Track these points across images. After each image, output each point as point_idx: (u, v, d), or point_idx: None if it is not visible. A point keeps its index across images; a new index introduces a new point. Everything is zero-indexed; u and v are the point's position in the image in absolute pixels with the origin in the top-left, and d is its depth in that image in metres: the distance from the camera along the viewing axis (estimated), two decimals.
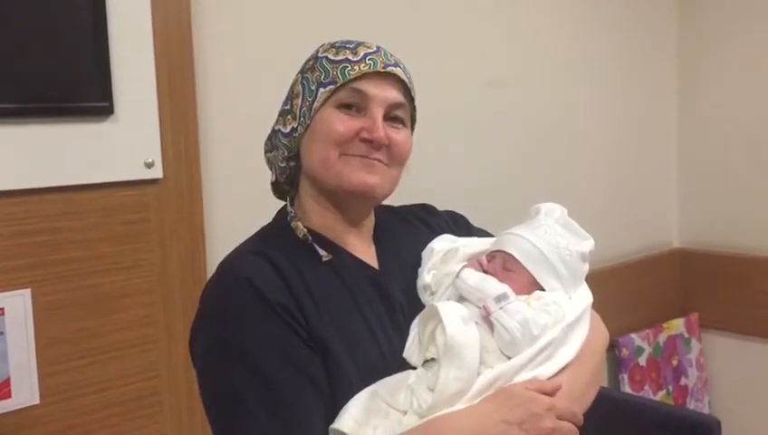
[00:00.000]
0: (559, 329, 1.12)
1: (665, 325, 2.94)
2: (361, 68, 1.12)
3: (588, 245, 1.22)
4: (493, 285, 1.12)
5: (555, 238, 1.19)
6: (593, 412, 1.17)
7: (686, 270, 3.09)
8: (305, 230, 1.14)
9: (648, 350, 2.85)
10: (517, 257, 1.17)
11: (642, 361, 2.82)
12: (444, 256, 1.21)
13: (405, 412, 1.06)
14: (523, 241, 1.18)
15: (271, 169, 1.24)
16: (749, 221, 2.93)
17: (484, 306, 1.10)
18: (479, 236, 1.32)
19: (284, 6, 1.91)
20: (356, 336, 1.11)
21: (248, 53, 1.84)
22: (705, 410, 3.01)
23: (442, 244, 1.24)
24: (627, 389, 2.75)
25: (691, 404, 2.98)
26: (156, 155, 1.65)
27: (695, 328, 3.04)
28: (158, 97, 1.65)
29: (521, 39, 2.51)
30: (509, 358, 1.09)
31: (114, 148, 1.60)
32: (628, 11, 2.88)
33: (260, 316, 1.04)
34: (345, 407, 1.04)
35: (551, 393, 1.09)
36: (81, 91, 1.54)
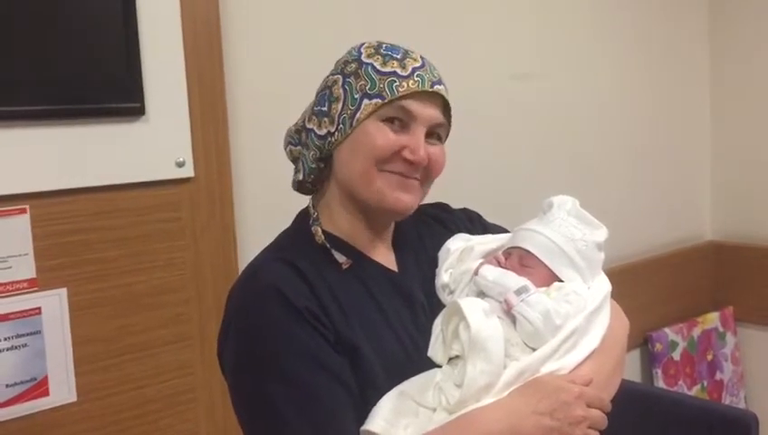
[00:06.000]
0: (581, 318, 1.12)
1: (699, 319, 2.91)
2: (410, 85, 1.11)
3: (602, 234, 1.22)
4: (512, 279, 1.13)
5: (570, 230, 1.20)
6: (627, 407, 1.16)
7: (720, 263, 3.05)
8: (323, 237, 1.14)
9: (682, 344, 2.82)
10: (534, 253, 1.18)
11: (676, 355, 2.79)
12: (460, 255, 1.23)
13: (434, 410, 1.07)
14: (539, 236, 1.19)
15: (294, 162, 1.23)
16: None
17: (505, 300, 1.10)
18: (494, 232, 1.33)
19: (314, 3, 1.92)
20: (381, 337, 1.11)
21: (277, 51, 1.85)
22: (741, 405, 2.97)
23: (457, 243, 1.25)
24: (660, 384, 2.72)
25: (726, 399, 2.94)
26: (187, 154, 1.67)
27: (729, 322, 3.00)
28: (188, 97, 1.66)
29: (547, 31, 2.50)
30: (533, 350, 1.10)
31: (146, 148, 1.61)
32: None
33: (289, 323, 1.05)
34: (375, 408, 1.05)
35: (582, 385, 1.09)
36: (112, 92, 1.56)
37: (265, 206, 1.80)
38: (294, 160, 1.23)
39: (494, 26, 2.34)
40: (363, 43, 1.18)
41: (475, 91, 2.27)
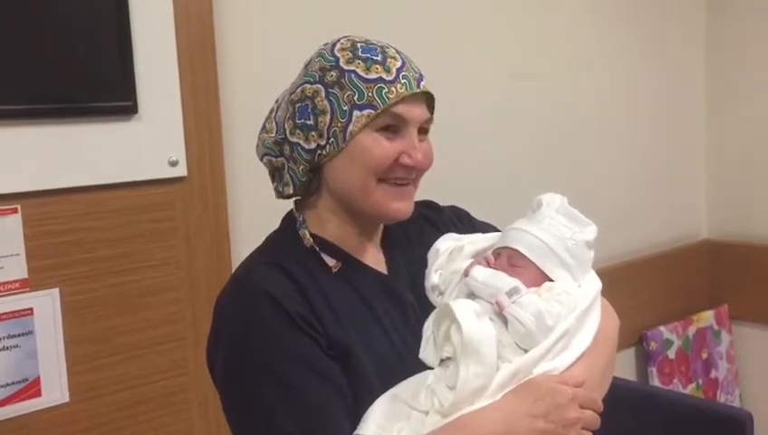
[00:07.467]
0: (572, 318, 1.12)
1: (694, 318, 2.91)
2: (398, 90, 1.09)
3: (591, 231, 1.21)
4: (503, 280, 1.12)
5: (559, 229, 1.19)
6: (622, 406, 1.16)
7: (716, 261, 3.05)
8: (312, 240, 1.14)
9: (677, 343, 2.82)
10: (523, 252, 1.17)
11: (671, 354, 2.79)
12: (449, 255, 1.22)
13: (426, 413, 1.06)
14: (528, 236, 1.18)
15: (272, 173, 1.20)
16: None
17: (496, 302, 1.09)
18: (483, 230, 1.32)
19: (309, 1, 1.91)
20: (373, 340, 1.11)
21: (271, 50, 1.84)
22: (736, 404, 2.97)
23: (446, 243, 1.24)
24: (656, 382, 2.73)
25: (721, 398, 2.94)
26: (180, 153, 1.66)
27: (724, 320, 3.00)
28: (181, 95, 1.66)
29: (546, 31, 2.49)
30: (525, 351, 1.09)
31: (139, 147, 1.61)
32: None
33: (281, 327, 1.04)
34: (367, 412, 1.04)
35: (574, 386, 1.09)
36: (105, 90, 1.55)
37: (259, 205, 1.79)
38: (274, 171, 1.20)
39: (493, 26, 2.34)
40: (335, 45, 1.14)
41: (475, 90, 2.27)
